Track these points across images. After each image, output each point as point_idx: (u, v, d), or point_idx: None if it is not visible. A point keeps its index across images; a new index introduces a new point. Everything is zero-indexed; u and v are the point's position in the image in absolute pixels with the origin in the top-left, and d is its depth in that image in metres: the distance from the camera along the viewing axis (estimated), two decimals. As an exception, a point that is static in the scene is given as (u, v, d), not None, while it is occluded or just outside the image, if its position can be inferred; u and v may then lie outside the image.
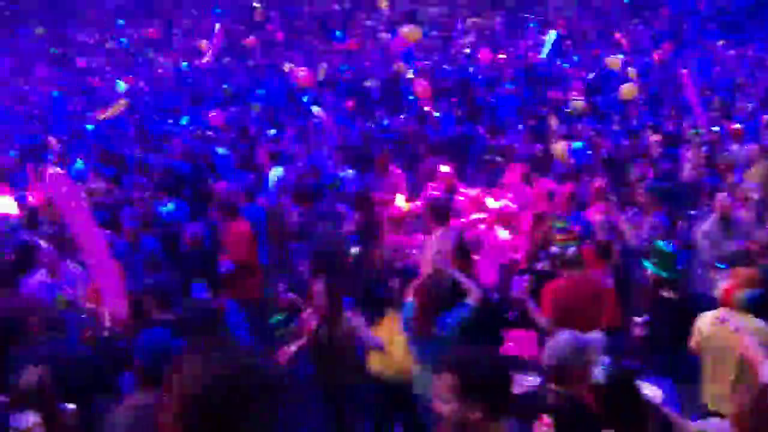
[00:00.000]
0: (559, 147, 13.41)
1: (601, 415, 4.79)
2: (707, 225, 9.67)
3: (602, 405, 4.80)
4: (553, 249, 8.02)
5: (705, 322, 6.55)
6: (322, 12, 33.48)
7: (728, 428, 4.78)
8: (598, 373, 4.84)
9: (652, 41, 26.66)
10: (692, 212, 10.64)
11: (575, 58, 23.79)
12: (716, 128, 14.90)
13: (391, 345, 7.16)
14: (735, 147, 13.78)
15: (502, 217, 9.67)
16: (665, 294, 7.61)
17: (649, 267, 7.81)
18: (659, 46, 25.12)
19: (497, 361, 4.14)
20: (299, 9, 33.71)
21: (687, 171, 12.57)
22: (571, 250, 7.72)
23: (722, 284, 6.62)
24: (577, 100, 17.86)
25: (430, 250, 8.38)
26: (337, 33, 28.84)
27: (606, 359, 5.02)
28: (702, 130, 14.20)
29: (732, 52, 24.97)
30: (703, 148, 13.25)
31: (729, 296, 6.45)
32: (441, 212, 8.73)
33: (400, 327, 7.08)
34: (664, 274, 7.69)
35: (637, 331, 7.27)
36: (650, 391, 6.36)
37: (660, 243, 7.92)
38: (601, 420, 4.76)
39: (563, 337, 5.05)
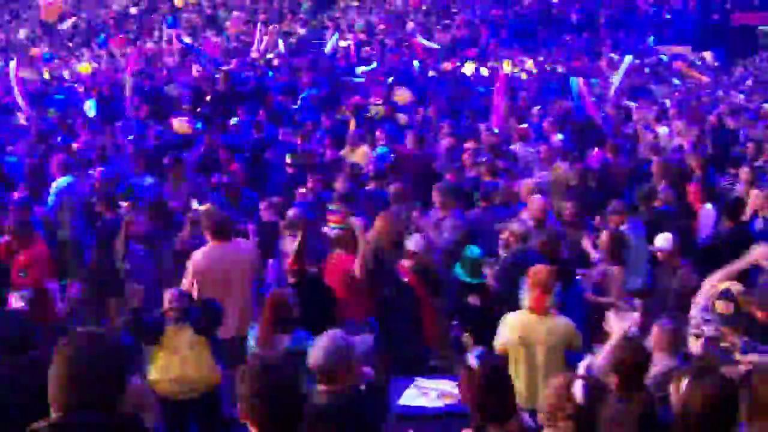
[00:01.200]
0: (360, 151, 13.39)
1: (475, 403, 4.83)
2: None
3: (477, 392, 4.81)
4: (326, 229, 8.48)
5: (510, 321, 6.68)
6: (117, 14, 32.50)
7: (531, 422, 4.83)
8: (471, 360, 4.89)
9: (450, 49, 27.32)
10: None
11: (374, 64, 23.98)
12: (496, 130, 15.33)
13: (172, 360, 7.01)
14: (517, 146, 14.25)
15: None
16: (471, 300, 7.71)
17: (459, 273, 7.89)
18: (456, 53, 25.77)
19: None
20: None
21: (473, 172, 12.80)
22: (336, 232, 8.25)
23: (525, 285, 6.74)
24: (377, 104, 17.96)
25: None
26: (100, 37, 28.13)
27: (478, 348, 5.17)
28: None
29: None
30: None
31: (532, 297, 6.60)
32: (220, 227, 8.38)
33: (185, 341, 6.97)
34: (472, 281, 7.79)
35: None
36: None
37: (468, 249, 7.99)
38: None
39: (328, 337, 4.98)
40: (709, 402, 3.86)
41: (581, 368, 3.97)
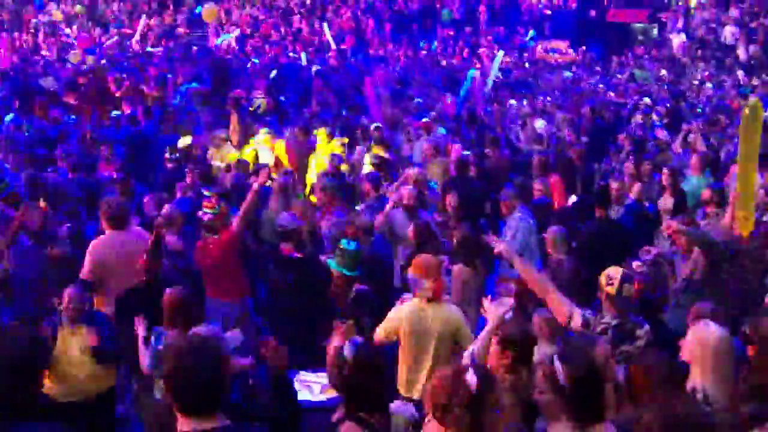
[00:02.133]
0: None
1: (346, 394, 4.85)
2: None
3: (347, 381, 4.83)
4: (200, 213, 8.62)
5: (404, 311, 6.70)
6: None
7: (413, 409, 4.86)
8: (347, 349, 4.87)
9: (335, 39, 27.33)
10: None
11: (256, 60, 23.82)
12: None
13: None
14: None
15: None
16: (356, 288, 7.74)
17: (333, 265, 7.90)
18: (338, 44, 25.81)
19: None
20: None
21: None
22: (208, 216, 8.43)
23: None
24: (260, 97, 17.87)
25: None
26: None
27: (355, 338, 5.12)
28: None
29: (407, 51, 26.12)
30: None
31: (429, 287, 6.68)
32: (117, 215, 8.30)
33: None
34: (348, 273, 7.81)
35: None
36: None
37: (343, 242, 8.00)
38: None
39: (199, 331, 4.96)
40: (575, 380, 3.97)
41: (466, 357, 4.02)
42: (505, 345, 4.99)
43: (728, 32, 26.96)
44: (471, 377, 3.79)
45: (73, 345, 6.89)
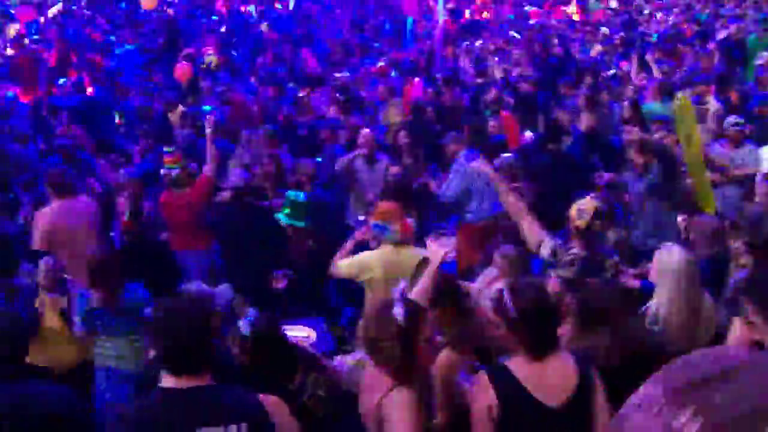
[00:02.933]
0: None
1: (247, 366, 4.80)
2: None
3: (250, 356, 4.79)
4: (162, 170, 8.82)
5: (375, 257, 6.73)
6: None
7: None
8: (243, 326, 4.79)
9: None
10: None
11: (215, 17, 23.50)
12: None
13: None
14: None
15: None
16: (310, 243, 7.73)
17: (282, 218, 7.89)
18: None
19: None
20: None
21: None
22: (175, 171, 8.63)
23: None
24: (210, 54, 17.65)
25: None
26: None
27: (250, 311, 4.97)
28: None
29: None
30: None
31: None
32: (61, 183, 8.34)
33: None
34: (298, 224, 7.81)
35: (277, 284, 7.42)
36: (301, 333, 6.48)
37: (291, 193, 7.98)
38: (249, 371, 4.75)
39: (188, 289, 4.94)
40: (525, 312, 4.02)
41: (396, 293, 4.04)
42: (434, 303, 4.98)
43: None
44: (398, 311, 3.85)
45: (52, 315, 6.88)
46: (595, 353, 4.48)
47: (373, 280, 6.65)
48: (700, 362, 1.36)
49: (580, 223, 6.03)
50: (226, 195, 8.72)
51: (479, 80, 14.79)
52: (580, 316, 4.87)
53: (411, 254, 6.62)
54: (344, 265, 6.76)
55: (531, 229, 6.03)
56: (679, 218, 7.07)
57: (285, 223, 7.90)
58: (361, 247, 6.98)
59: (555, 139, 9.49)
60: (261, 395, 3.64)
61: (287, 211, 7.85)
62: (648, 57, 14.53)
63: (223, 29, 20.62)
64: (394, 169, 9.56)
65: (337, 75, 15.07)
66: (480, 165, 6.66)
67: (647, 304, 5.36)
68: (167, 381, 3.54)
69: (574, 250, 5.89)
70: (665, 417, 1.29)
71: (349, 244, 6.91)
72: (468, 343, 4.92)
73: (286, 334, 5.09)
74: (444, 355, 4.84)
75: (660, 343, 5.05)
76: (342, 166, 9.75)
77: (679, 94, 9.16)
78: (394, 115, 12.56)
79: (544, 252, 5.90)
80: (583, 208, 6.06)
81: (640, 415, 1.29)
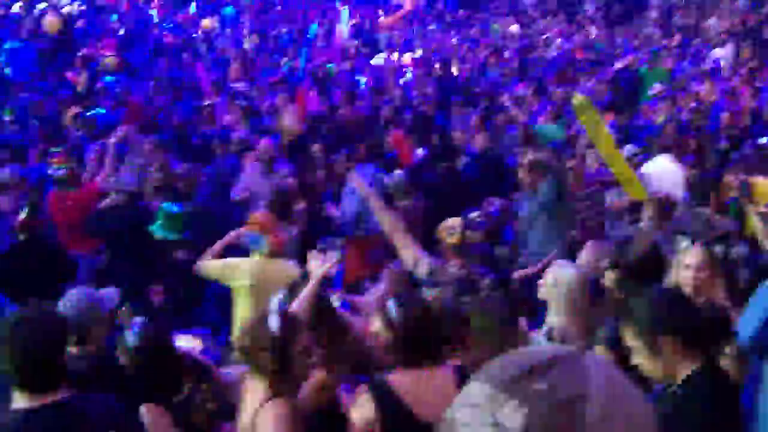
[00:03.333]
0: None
1: (134, 376, 4.69)
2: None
3: (136, 367, 4.68)
4: (50, 171, 8.95)
5: (245, 265, 6.81)
6: None
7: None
8: (129, 336, 4.68)
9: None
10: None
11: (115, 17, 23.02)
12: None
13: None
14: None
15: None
16: (180, 255, 7.68)
17: (156, 230, 7.81)
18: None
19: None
20: None
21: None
22: (62, 172, 8.72)
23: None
24: (109, 56, 17.30)
25: None
26: None
27: (137, 321, 4.87)
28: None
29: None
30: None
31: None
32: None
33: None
34: (171, 236, 7.74)
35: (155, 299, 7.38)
36: (188, 342, 6.38)
37: (166, 205, 7.90)
38: (134, 381, 4.66)
39: (75, 293, 4.83)
40: (412, 324, 4.06)
41: (272, 304, 4.05)
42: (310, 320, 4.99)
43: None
44: (273, 322, 3.86)
45: None
46: (480, 367, 4.52)
47: (242, 288, 6.69)
48: (519, 359, 1.43)
49: (453, 240, 6.13)
50: (115, 198, 8.61)
51: (377, 96, 14.88)
52: (465, 328, 4.93)
53: (281, 267, 6.74)
54: (211, 265, 6.78)
55: (405, 248, 6.09)
56: None
57: (158, 235, 7.80)
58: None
59: (447, 158, 9.62)
60: (144, 405, 3.58)
61: (160, 222, 7.75)
62: (543, 81, 14.87)
63: (122, 31, 20.21)
64: (283, 181, 9.51)
65: (234, 85, 14.94)
66: (356, 182, 6.73)
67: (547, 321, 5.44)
68: (21, 400, 3.41)
69: (451, 270, 5.97)
70: (492, 409, 1.35)
71: (218, 245, 6.92)
72: (345, 359, 4.93)
73: (174, 345, 5.01)
74: (320, 371, 4.84)
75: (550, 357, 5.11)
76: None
77: (576, 95, 9.33)
78: (287, 124, 12.52)
79: (421, 271, 5.95)
80: (450, 224, 6.17)
81: (466, 411, 1.37)
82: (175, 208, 7.85)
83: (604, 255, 5.84)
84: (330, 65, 17.71)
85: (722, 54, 18.94)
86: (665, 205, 7.57)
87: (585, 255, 6.20)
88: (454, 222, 6.31)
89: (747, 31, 21.12)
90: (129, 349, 4.66)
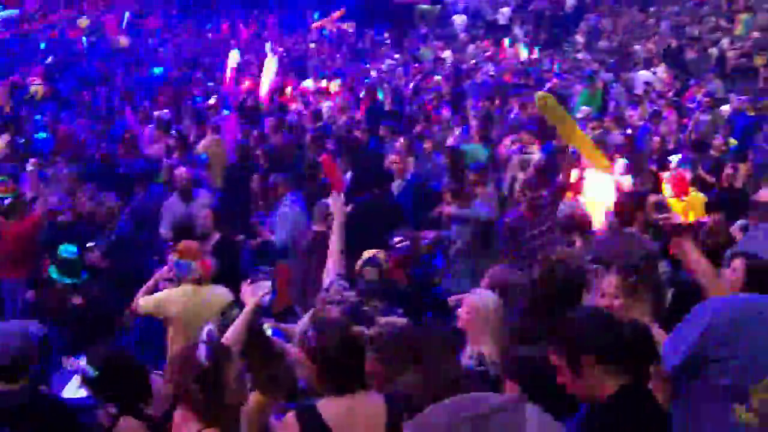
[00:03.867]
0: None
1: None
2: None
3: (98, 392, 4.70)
4: None
5: (174, 295, 6.75)
6: None
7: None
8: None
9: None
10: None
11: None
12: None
13: None
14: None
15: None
16: (75, 301, 7.58)
17: (53, 274, 7.67)
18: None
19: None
20: None
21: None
22: (8, 201, 8.77)
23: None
24: (36, 84, 17.11)
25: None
26: None
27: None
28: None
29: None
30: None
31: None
32: None
33: None
34: (68, 281, 7.63)
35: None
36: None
37: (62, 248, 7.76)
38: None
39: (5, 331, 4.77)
40: (334, 350, 4.08)
41: (202, 334, 4.02)
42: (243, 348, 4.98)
43: (503, 13, 28.33)
44: (202, 352, 3.83)
45: None
46: (408, 393, 4.55)
47: (173, 318, 6.66)
48: (460, 406, 1.44)
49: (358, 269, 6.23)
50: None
51: (311, 123, 14.88)
52: (387, 354, 4.94)
53: (212, 294, 6.72)
54: (143, 302, 6.75)
55: (327, 270, 6.13)
56: None
57: (54, 277, 7.64)
58: None
59: (377, 183, 9.66)
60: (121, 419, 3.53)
61: (56, 266, 7.60)
62: (472, 104, 15.04)
63: (50, 59, 19.99)
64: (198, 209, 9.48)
65: (157, 113, 14.77)
66: (334, 205, 6.71)
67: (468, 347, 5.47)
68: None
69: (349, 295, 5.97)
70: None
71: (150, 282, 6.89)
72: (278, 387, 4.92)
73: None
74: (254, 398, 4.82)
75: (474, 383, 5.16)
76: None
77: (539, 94, 9.50)
78: (213, 152, 12.46)
79: (329, 293, 5.98)
80: (363, 255, 6.27)
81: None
82: (71, 251, 7.68)
83: (497, 283, 5.96)
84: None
85: (647, 77, 19.34)
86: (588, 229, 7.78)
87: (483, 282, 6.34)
88: (366, 253, 6.42)
89: (670, 55, 21.62)
90: (88, 380, 4.66)
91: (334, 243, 6.26)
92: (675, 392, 3.91)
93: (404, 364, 4.82)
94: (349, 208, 7.35)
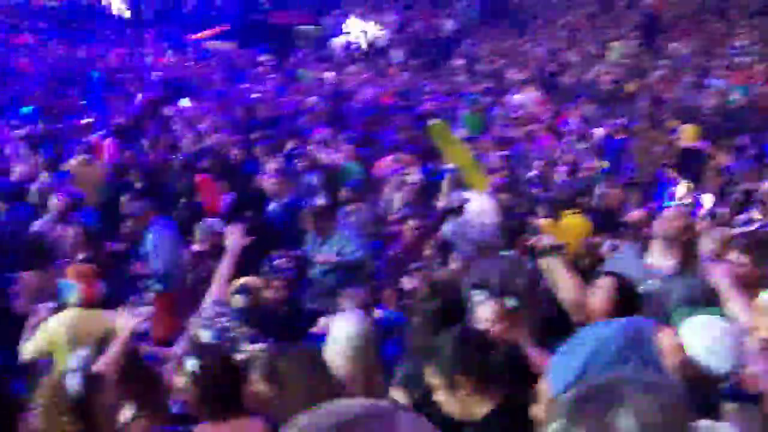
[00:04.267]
0: None
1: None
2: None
3: None
4: None
5: (57, 321, 6.49)
6: None
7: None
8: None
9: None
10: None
11: None
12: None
13: None
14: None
15: None
16: None
17: None
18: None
19: None
20: None
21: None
22: None
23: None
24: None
25: None
26: None
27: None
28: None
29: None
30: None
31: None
32: None
33: None
34: None
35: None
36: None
37: None
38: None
39: None
40: (212, 374, 4.02)
41: (74, 362, 3.91)
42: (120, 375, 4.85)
43: (382, 36, 28.65)
44: (73, 381, 3.71)
45: None
46: (287, 416, 4.48)
47: (57, 345, 6.37)
48: (327, 416, 1.41)
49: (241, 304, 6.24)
50: None
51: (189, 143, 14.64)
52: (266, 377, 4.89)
53: (98, 318, 6.41)
54: (29, 346, 6.44)
55: (209, 293, 6.05)
56: None
57: None
58: None
59: (254, 205, 9.58)
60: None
61: None
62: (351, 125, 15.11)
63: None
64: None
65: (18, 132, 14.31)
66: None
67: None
68: None
69: (224, 321, 5.90)
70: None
71: (31, 322, 6.55)
72: (158, 412, 4.81)
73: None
74: (136, 424, 4.70)
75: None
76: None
77: (431, 122, 9.55)
78: (83, 171, 12.14)
79: (204, 315, 5.91)
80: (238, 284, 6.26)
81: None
82: None
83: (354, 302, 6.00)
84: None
85: (523, 100, 19.74)
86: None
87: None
88: (241, 281, 6.39)
89: (544, 79, 22.18)
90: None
91: (224, 269, 6.17)
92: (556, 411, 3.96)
93: (280, 387, 4.79)
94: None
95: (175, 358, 4.81)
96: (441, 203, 8.93)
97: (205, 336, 5.53)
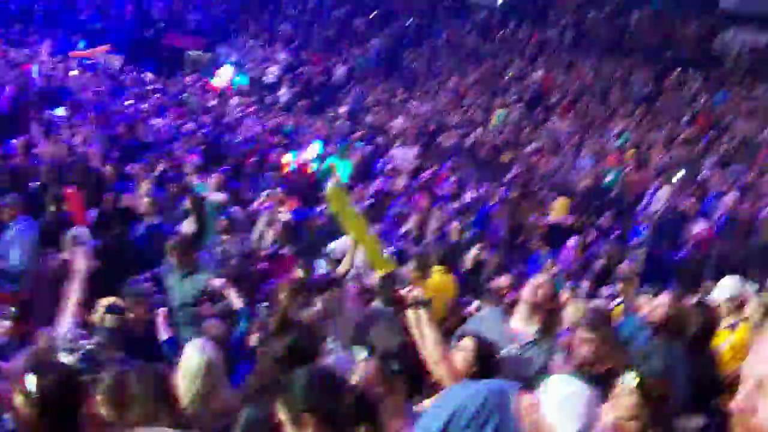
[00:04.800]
0: None
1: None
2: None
3: None
4: None
5: None
6: None
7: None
8: None
9: None
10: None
11: None
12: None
13: None
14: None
15: None
16: None
17: None
18: None
19: None
20: None
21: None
22: None
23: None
24: None
25: None
26: None
27: None
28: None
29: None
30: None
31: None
32: None
33: None
34: None
35: None
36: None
37: None
38: None
39: None
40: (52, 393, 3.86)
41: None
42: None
43: (271, 72, 28.69)
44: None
45: None
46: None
47: None
48: None
49: (95, 318, 6.15)
50: None
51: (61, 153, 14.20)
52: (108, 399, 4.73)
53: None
54: None
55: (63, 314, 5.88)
56: None
57: None
58: None
59: (119, 222, 9.39)
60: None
61: None
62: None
63: None
64: None
65: None
66: None
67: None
68: None
69: (86, 342, 5.73)
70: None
71: None
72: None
73: None
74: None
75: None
76: None
77: (329, 185, 9.63)
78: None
79: (61, 336, 5.73)
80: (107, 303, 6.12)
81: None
82: None
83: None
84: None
85: (399, 154, 19.94)
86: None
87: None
88: (104, 301, 6.26)
89: (425, 135, 22.47)
90: None
91: (75, 292, 5.99)
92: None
93: (125, 409, 4.65)
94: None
95: (15, 374, 4.59)
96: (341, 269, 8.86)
97: (69, 361, 5.32)
